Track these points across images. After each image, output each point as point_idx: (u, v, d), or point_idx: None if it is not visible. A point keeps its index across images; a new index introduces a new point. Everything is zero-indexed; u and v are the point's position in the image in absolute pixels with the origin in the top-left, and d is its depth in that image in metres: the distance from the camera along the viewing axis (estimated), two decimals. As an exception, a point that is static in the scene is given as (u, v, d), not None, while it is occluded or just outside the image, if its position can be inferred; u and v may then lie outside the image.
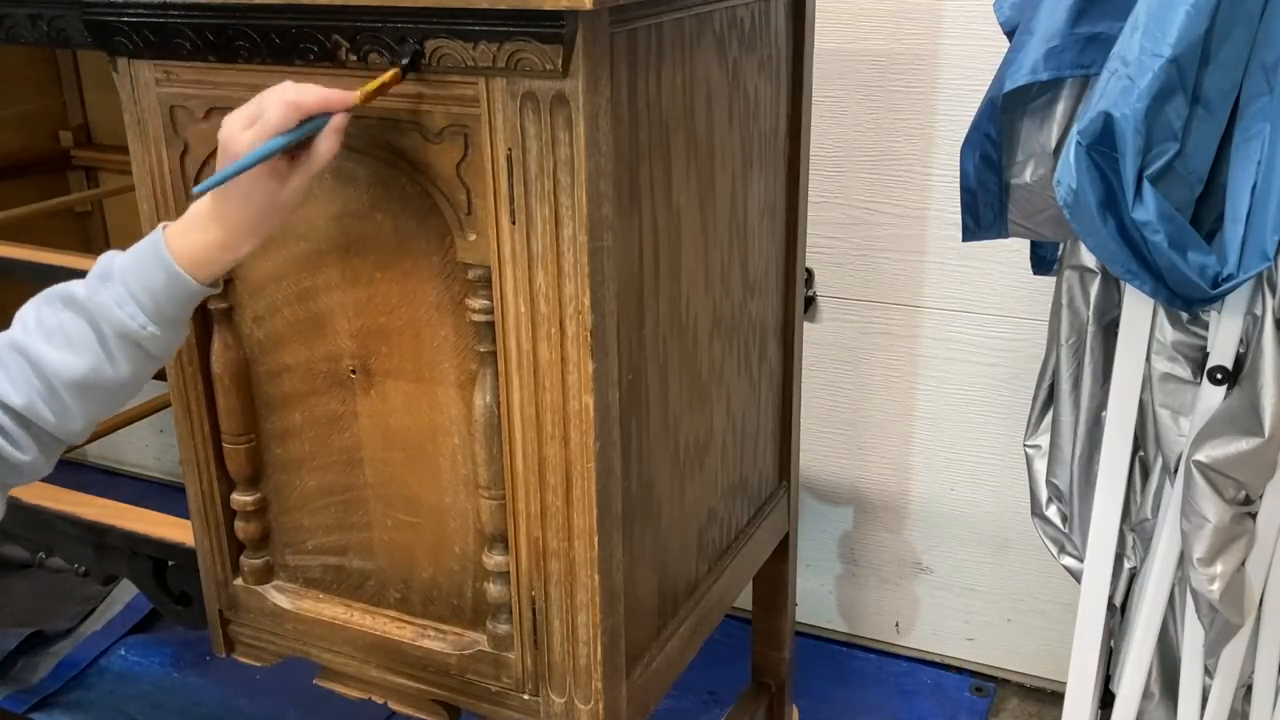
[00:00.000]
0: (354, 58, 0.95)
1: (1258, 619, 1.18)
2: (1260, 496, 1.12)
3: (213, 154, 1.05)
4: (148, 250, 0.91)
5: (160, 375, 1.02)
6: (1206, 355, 1.10)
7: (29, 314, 0.90)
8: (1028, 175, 1.12)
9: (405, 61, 0.92)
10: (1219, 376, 1.09)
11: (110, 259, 0.91)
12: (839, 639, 2.01)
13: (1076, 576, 1.28)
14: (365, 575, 1.17)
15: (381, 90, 0.92)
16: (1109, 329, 1.20)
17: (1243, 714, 1.26)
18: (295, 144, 0.90)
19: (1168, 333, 1.13)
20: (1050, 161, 1.09)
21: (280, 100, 0.88)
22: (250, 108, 0.89)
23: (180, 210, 1.09)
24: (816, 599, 2.00)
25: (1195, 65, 0.96)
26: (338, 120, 0.91)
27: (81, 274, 1.38)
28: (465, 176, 0.95)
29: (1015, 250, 1.58)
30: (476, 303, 0.99)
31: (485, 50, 0.89)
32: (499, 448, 1.03)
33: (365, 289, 1.05)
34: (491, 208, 0.95)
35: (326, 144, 0.91)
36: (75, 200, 2.00)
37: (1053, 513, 1.33)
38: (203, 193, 0.89)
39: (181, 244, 0.91)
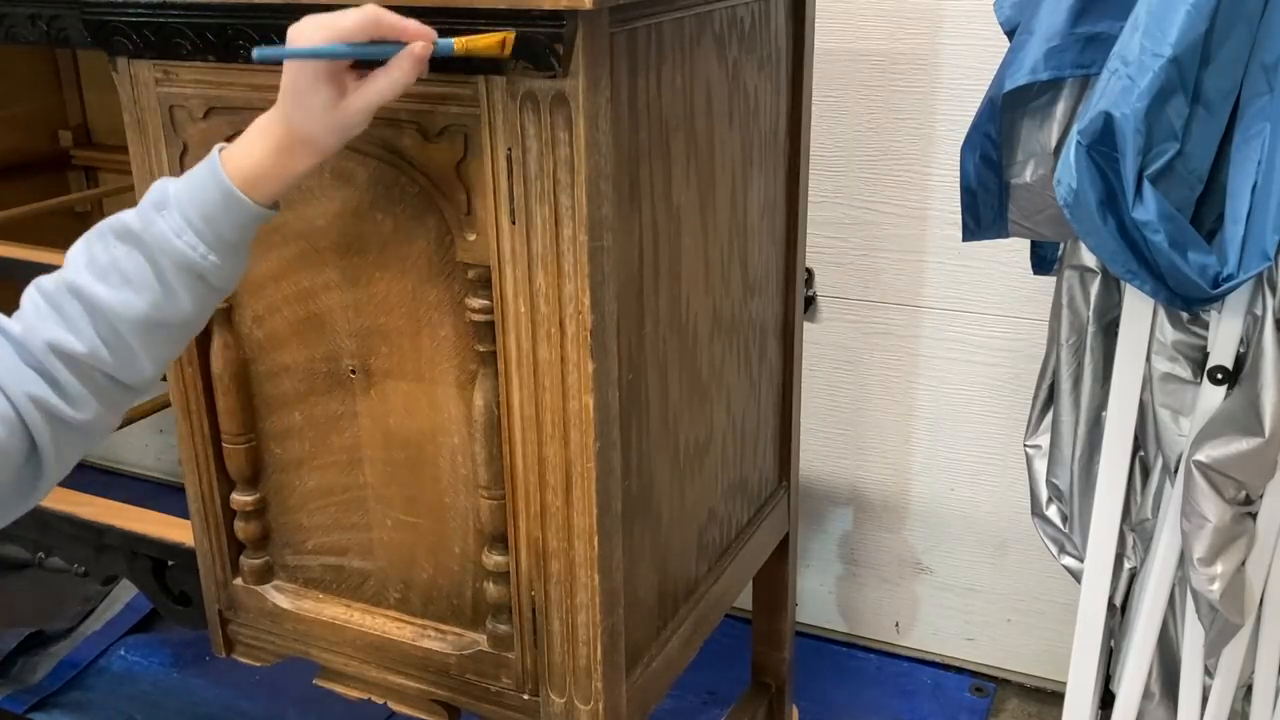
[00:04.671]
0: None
1: (1258, 619, 1.18)
2: (1260, 496, 1.12)
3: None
4: (203, 172, 0.85)
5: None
6: (1207, 355, 1.10)
7: (79, 252, 0.84)
8: (1028, 175, 1.11)
9: (515, 36, 0.86)
10: (1219, 376, 1.09)
11: (164, 185, 0.85)
12: (839, 639, 2.01)
13: (1076, 576, 1.28)
14: (365, 575, 1.17)
15: (481, 50, 0.86)
16: (1109, 329, 1.20)
17: (1243, 714, 1.26)
18: (363, 61, 0.84)
19: (1168, 333, 1.13)
20: (1050, 161, 1.09)
21: (361, 9, 0.83)
22: (330, 14, 0.84)
23: (180, 210, 1.09)
24: (816, 599, 2.00)
25: (1195, 65, 0.96)
26: (418, 47, 0.84)
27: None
28: (465, 176, 0.95)
29: (1015, 250, 1.58)
30: (476, 302, 0.99)
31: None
32: (499, 448, 1.03)
33: (365, 289, 1.05)
34: (491, 207, 0.95)
35: (400, 69, 0.84)
36: (75, 200, 2.00)
37: (1053, 513, 1.33)
38: (260, 61, 0.83)
39: (237, 162, 0.85)
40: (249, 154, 0.86)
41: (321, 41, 0.83)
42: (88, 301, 0.82)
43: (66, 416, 0.81)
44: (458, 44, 0.86)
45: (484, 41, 0.86)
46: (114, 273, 0.82)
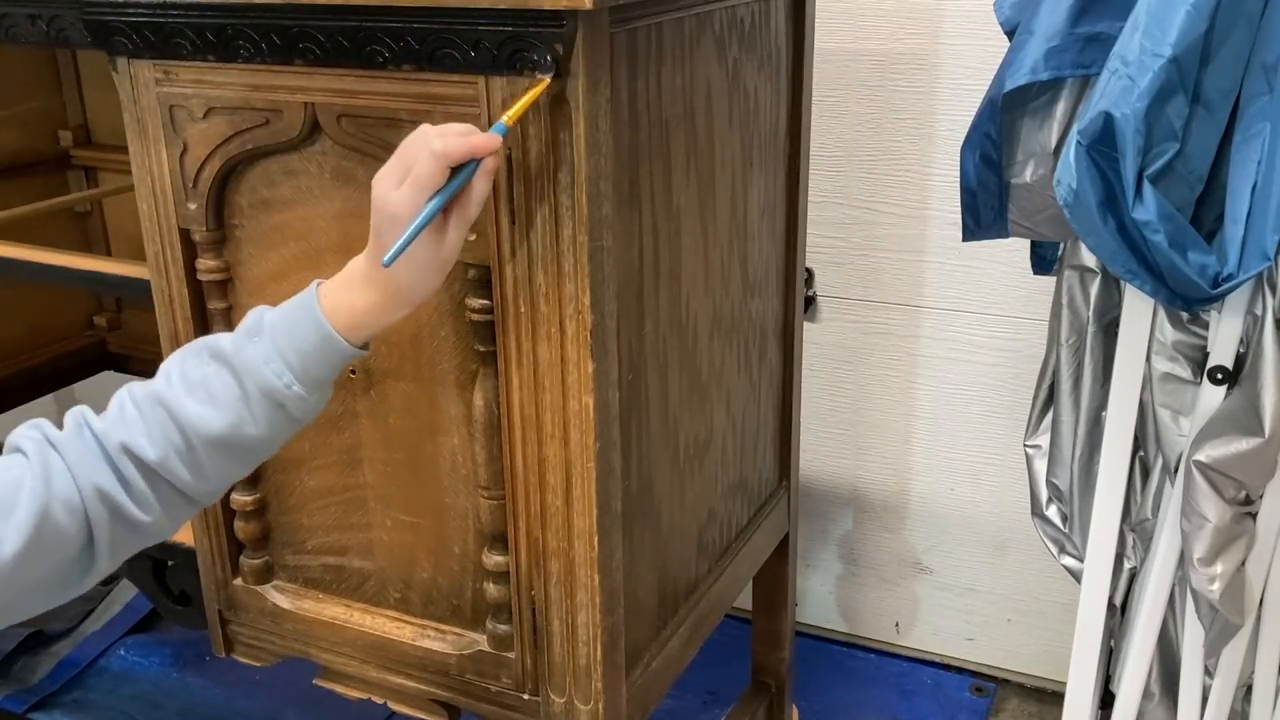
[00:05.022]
0: (355, 56, 0.95)
1: (1258, 619, 1.18)
2: (1260, 496, 1.12)
3: (211, 155, 1.05)
4: (300, 309, 0.87)
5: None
6: (1207, 355, 1.10)
7: (173, 365, 0.87)
8: (1028, 175, 1.11)
9: (551, 73, 0.87)
10: (1219, 376, 1.09)
11: (260, 314, 0.88)
12: (839, 639, 2.01)
13: (1076, 576, 1.28)
14: (365, 575, 1.17)
15: (528, 105, 0.88)
16: (1109, 329, 1.20)
17: (1243, 714, 1.26)
18: (453, 196, 0.86)
19: (1168, 333, 1.13)
20: (1050, 161, 1.09)
21: (428, 153, 0.84)
22: (395, 162, 0.86)
23: (180, 209, 1.09)
24: (816, 599, 2.00)
25: (1195, 65, 0.96)
26: (489, 163, 0.86)
27: (81, 274, 1.38)
28: (465, 176, 0.95)
29: (1015, 250, 1.58)
30: (476, 302, 0.99)
31: (485, 50, 0.89)
32: (499, 448, 1.03)
33: (365, 289, 1.05)
34: (491, 207, 0.95)
35: (480, 189, 0.87)
36: (75, 200, 2.00)
37: (1053, 513, 1.33)
38: (390, 264, 0.84)
39: (336, 305, 0.87)
40: (351, 302, 0.88)
41: (410, 200, 0.84)
42: (171, 412, 0.84)
43: (129, 515, 0.84)
44: (507, 120, 0.88)
45: (527, 99, 0.88)
46: (201, 389, 0.85)
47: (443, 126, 0.87)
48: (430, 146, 0.84)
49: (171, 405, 0.84)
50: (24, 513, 0.77)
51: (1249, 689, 1.24)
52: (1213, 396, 1.09)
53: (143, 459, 0.84)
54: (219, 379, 0.86)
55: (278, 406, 0.87)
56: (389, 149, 0.97)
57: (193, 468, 0.85)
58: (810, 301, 1.80)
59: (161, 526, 0.87)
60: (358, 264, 0.89)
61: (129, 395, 0.86)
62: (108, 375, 2.11)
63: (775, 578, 1.55)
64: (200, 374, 0.86)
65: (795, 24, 1.29)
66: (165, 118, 1.06)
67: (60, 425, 0.85)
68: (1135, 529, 1.24)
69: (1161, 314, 1.13)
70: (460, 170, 0.86)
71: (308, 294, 0.88)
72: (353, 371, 1.09)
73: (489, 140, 0.86)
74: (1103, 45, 1.03)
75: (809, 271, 1.78)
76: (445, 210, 0.87)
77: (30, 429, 0.84)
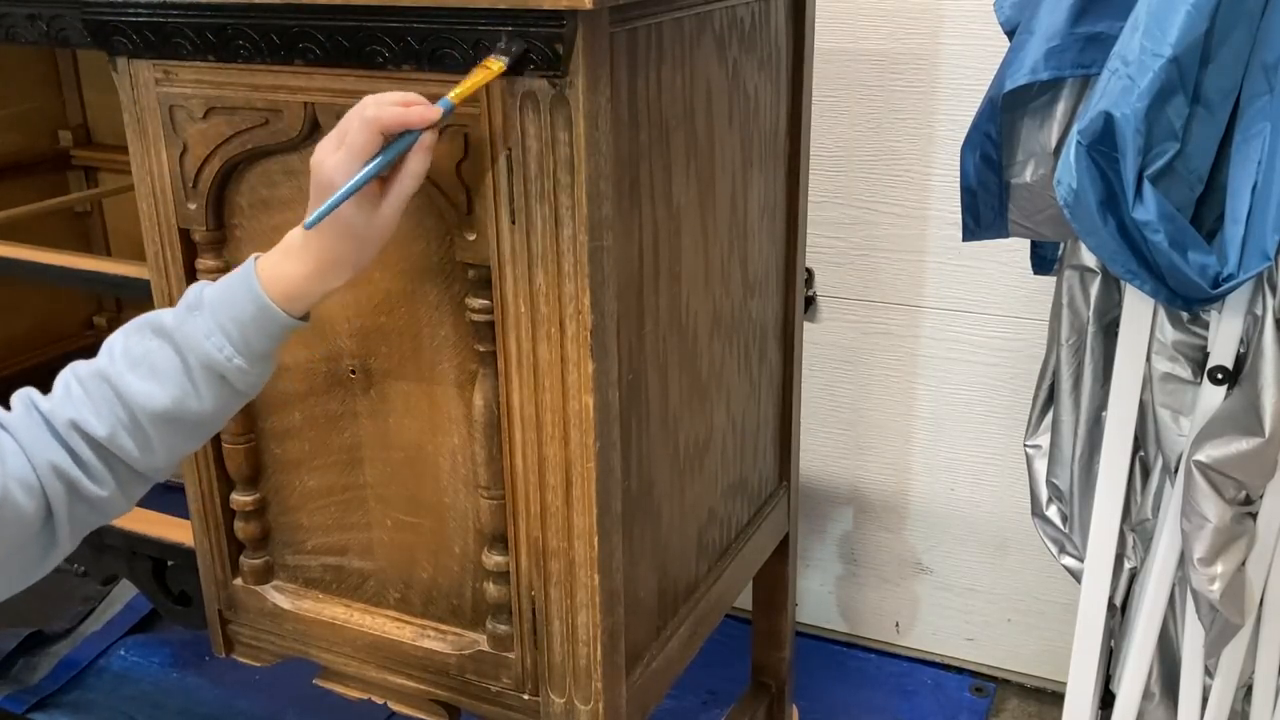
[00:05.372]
0: (355, 56, 0.95)
1: (1258, 619, 1.18)
2: (1260, 496, 1.12)
3: (211, 155, 1.05)
4: (238, 281, 0.88)
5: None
6: (1207, 355, 1.10)
7: (116, 341, 0.88)
8: (1028, 175, 1.11)
9: (508, 61, 0.87)
10: (1219, 376, 1.09)
11: (200, 289, 0.89)
12: (839, 639, 2.01)
13: (1076, 576, 1.28)
14: (365, 575, 1.17)
15: (476, 87, 0.87)
16: (1109, 329, 1.20)
17: (1243, 714, 1.26)
18: (387, 167, 0.86)
19: (1168, 333, 1.13)
20: (1050, 161, 1.09)
21: (359, 120, 0.85)
22: (336, 130, 0.87)
23: (180, 209, 1.09)
24: (816, 599, 2.00)
25: (1195, 65, 0.96)
26: (426, 138, 0.87)
27: (81, 274, 1.38)
28: (465, 176, 0.95)
29: (1015, 250, 1.58)
30: (476, 302, 0.99)
31: (485, 50, 0.89)
32: (499, 448, 1.03)
33: (365, 288, 1.05)
34: (491, 207, 0.95)
35: (416, 163, 0.87)
36: (75, 200, 2.00)
37: (1053, 513, 1.33)
38: (311, 227, 0.86)
39: (273, 275, 0.88)
40: (286, 271, 0.88)
41: (344, 166, 0.85)
42: (115, 388, 0.85)
43: (85, 489, 0.85)
44: (453, 98, 0.87)
45: (473, 80, 0.87)
46: (144, 364, 0.86)
47: (383, 95, 0.87)
48: (363, 113, 0.85)
49: (115, 381, 0.85)
50: None
51: (1249, 689, 1.24)
52: (1213, 396, 1.09)
53: (92, 435, 0.84)
54: (161, 353, 0.86)
55: (220, 379, 0.87)
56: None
57: (140, 443, 0.86)
58: (810, 301, 1.80)
59: (117, 501, 0.88)
60: (294, 234, 0.89)
61: (73, 374, 0.87)
62: (108, 375, 2.11)
63: (775, 578, 1.55)
64: (142, 349, 0.86)
65: (795, 24, 1.29)
66: (165, 118, 1.06)
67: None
68: (1135, 529, 1.24)
69: (1161, 314, 1.13)
70: (397, 141, 0.86)
71: (245, 266, 0.89)
72: (352, 371, 1.09)
73: (424, 113, 0.86)
74: (1103, 45, 1.03)
75: (809, 271, 1.78)
76: (382, 181, 0.87)
77: None
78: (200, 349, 0.86)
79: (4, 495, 0.79)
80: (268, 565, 1.23)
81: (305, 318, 0.91)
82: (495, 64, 0.87)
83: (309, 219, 0.85)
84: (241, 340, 0.87)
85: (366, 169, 0.85)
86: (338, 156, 0.85)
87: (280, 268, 0.89)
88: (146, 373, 0.86)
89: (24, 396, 0.86)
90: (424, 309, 1.03)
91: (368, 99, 0.86)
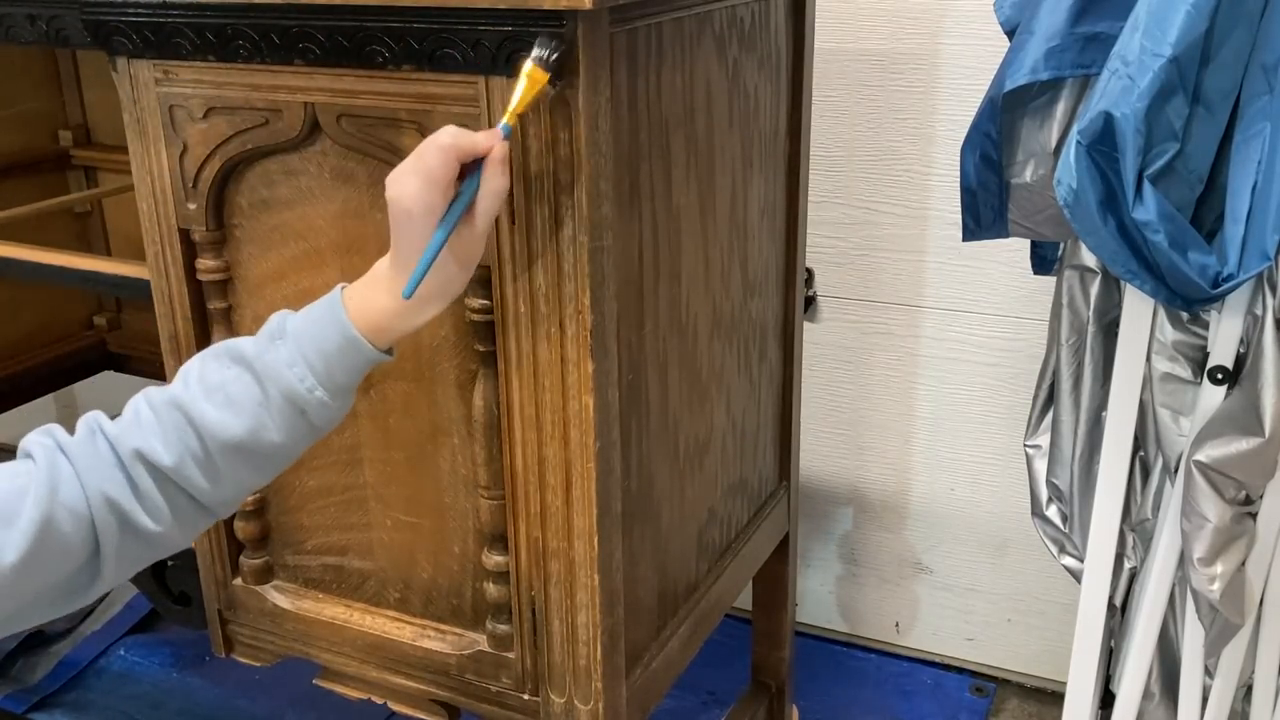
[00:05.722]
0: (355, 56, 0.95)
1: (1258, 619, 1.18)
2: (1260, 496, 1.12)
3: (211, 155, 1.05)
4: (324, 312, 0.86)
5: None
6: (1207, 355, 1.10)
7: (193, 368, 0.85)
8: (1028, 175, 1.11)
9: (552, 70, 0.86)
10: (1219, 376, 1.09)
11: (283, 318, 0.87)
12: (839, 639, 2.01)
13: (1076, 576, 1.28)
14: (365, 575, 1.17)
15: (530, 103, 0.87)
16: (1109, 329, 1.20)
17: (1243, 714, 1.26)
18: (468, 203, 0.86)
19: (1168, 333, 1.13)
20: (1050, 161, 1.09)
21: (435, 146, 0.84)
22: (409, 161, 0.85)
23: (180, 209, 1.09)
24: (816, 599, 2.00)
25: (1195, 65, 0.96)
26: (498, 152, 0.86)
27: (81, 274, 1.38)
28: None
29: (1015, 250, 1.58)
30: (476, 302, 0.99)
31: (485, 50, 0.89)
32: (499, 448, 1.03)
33: (365, 289, 1.05)
34: (491, 207, 0.95)
35: (494, 181, 0.86)
36: (75, 200, 2.00)
37: (1053, 513, 1.33)
38: (411, 295, 0.84)
39: (361, 307, 0.86)
40: (376, 304, 0.86)
41: (422, 189, 0.83)
42: (189, 416, 0.82)
43: (139, 524, 0.81)
44: (509, 119, 0.87)
45: (527, 98, 0.87)
46: (220, 392, 0.83)
47: (449, 127, 0.86)
48: (439, 141, 0.84)
49: (189, 409, 0.82)
50: (26, 520, 0.75)
51: (1249, 689, 1.24)
52: (1213, 396, 1.09)
53: (157, 465, 0.81)
54: (239, 382, 0.83)
55: (299, 412, 0.85)
56: (389, 149, 0.98)
57: (209, 474, 0.83)
58: (810, 301, 1.80)
59: (172, 537, 0.84)
60: (382, 266, 0.87)
61: (145, 400, 0.84)
62: (108, 375, 2.11)
63: (775, 577, 1.55)
64: (220, 378, 0.84)
65: (795, 24, 1.29)
66: (165, 118, 1.06)
67: (60, 424, 0.84)
68: (1135, 529, 1.24)
69: (1161, 314, 1.13)
70: (469, 180, 0.86)
71: (332, 296, 0.87)
72: (353, 371, 1.09)
73: (489, 134, 0.86)
74: (1103, 45, 1.03)
75: (809, 271, 1.78)
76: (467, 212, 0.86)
77: (42, 435, 0.81)
78: (282, 379, 0.84)
79: (50, 524, 0.76)
80: (268, 565, 1.23)
81: (390, 351, 0.89)
82: (539, 74, 0.86)
83: (406, 288, 0.84)
84: (325, 372, 0.85)
85: (453, 211, 0.85)
86: (416, 184, 0.83)
87: (369, 300, 0.86)
88: (222, 401, 0.83)
89: (91, 421, 0.83)
90: (424, 309, 1.03)
91: (443, 129, 0.85)
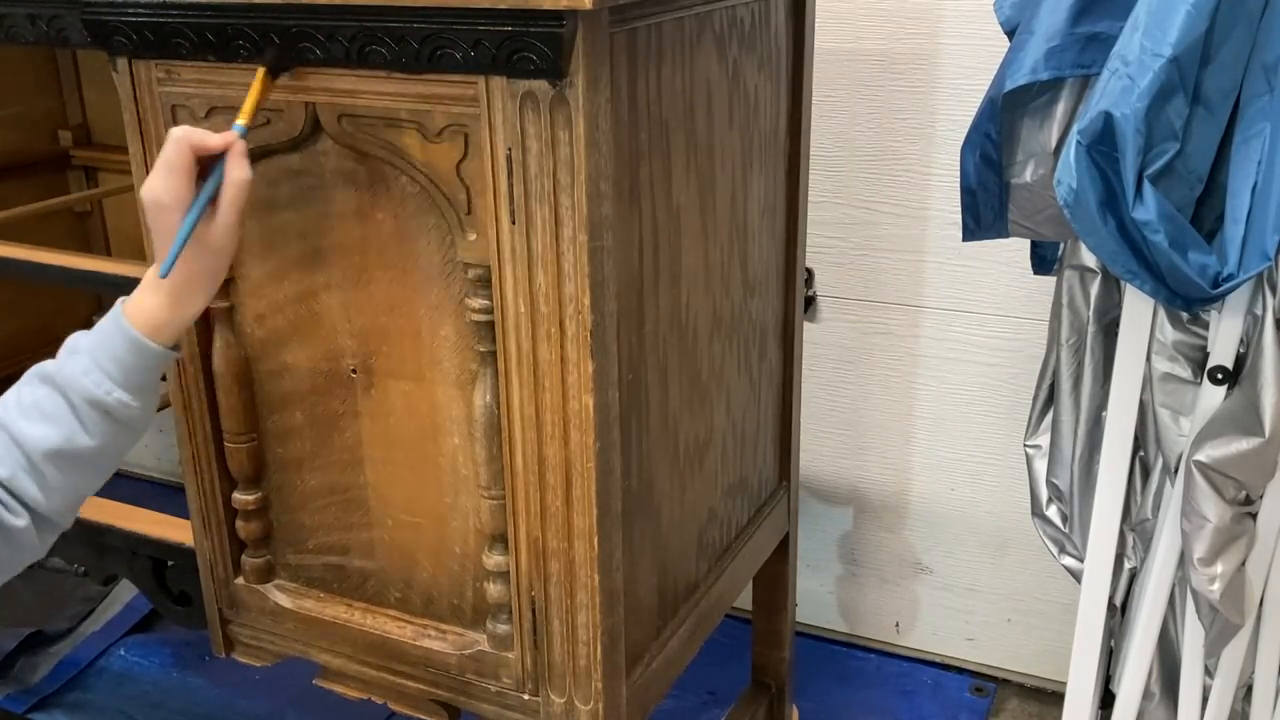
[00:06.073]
0: (354, 56, 0.95)
1: (1258, 619, 1.18)
2: (1260, 496, 1.12)
3: (211, 159, 1.05)
4: (109, 322, 0.95)
5: (160, 375, 1.01)
6: (1207, 355, 1.10)
7: (11, 395, 0.94)
8: (1028, 175, 1.11)
9: (270, 64, 0.97)
10: (1219, 376, 1.09)
11: (77, 337, 0.95)
12: (839, 639, 2.01)
13: (1076, 576, 1.28)
14: (366, 575, 1.17)
15: (258, 102, 0.97)
16: (1109, 329, 1.20)
17: (1243, 714, 1.26)
18: (213, 192, 0.93)
19: (1168, 333, 1.13)
20: (1050, 161, 1.09)
21: (171, 140, 0.92)
22: (154, 180, 0.93)
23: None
24: (816, 599, 2.00)
25: (1195, 65, 0.96)
26: (237, 146, 0.94)
27: (81, 274, 1.38)
28: (465, 176, 0.95)
29: (1015, 250, 1.58)
30: (476, 302, 0.99)
31: (485, 50, 0.89)
32: (499, 448, 1.03)
33: (365, 288, 1.05)
34: (491, 207, 0.95)
35: (237, 170, 0.93)
36: (75, 200, 2.00)
37: (1053, 513, 1.33)
38: (167, 274, 0.92)
39: (137, 311, 0.94)
40: (148, 305, 0.95)
41: (160, 183, 0.92)
42: (11, 434, 0.92)
43: (3, 519, 0.91)
44: (242, 120, 0.96)
45: (252, 99, 0.96)
46: (35, 410, 0.93)
47: (185, 126, 0.94)
48: (173, 134, 0.92)
49: (10, 428, 0.92)
50: None
51: (1249, 689, 1.24)
52: (1213, 396, 1.09)
53: None
54: (49, 399, 0.93)
55: (104, 414, 0.93)
56: (390, 149, 0.98)
57: (40, 483, 0.92)
58: (810, 301, 1.80)
59: (32, 537, 0.94)
60: (150, 271, 0.95)
61: None
62: (108, 375, 2.11)
63: (775, 578, 1.55)
64: (33, 397, 0.93)
65: (795, 24, 1.29)
66: (167, 117, 1.06)
67: None
68: (1135, 529, 1.24)
69: (1161, 314, 1.13)
70: (214, 172, 0.93)
71: (115, 308, 0.96)
72: (353, 371, 1.09)
73: (225, 136, 0.94)
74: (1103, 45, 1.03)
75: (809, 271, 1.78)
76: (213, 204, 0.94)
77: None
78: (82, 387, 0.92)
79: None
80: (269, 564, 1.23)
81: (177, 347, 0.98)
82: (266, 78, 0.97)
83: (162, 267, 0.92)
84: (120, 375, 0.93)
85: (198, 200, 0.93)
86: (159, 176, 0.92)
87: (144, 302, 0.95)
88: (38, 416, 0.92)
89: None
90: (424, 309, 1.03)
91: (174, 128, 0.94)
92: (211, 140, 0.93)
